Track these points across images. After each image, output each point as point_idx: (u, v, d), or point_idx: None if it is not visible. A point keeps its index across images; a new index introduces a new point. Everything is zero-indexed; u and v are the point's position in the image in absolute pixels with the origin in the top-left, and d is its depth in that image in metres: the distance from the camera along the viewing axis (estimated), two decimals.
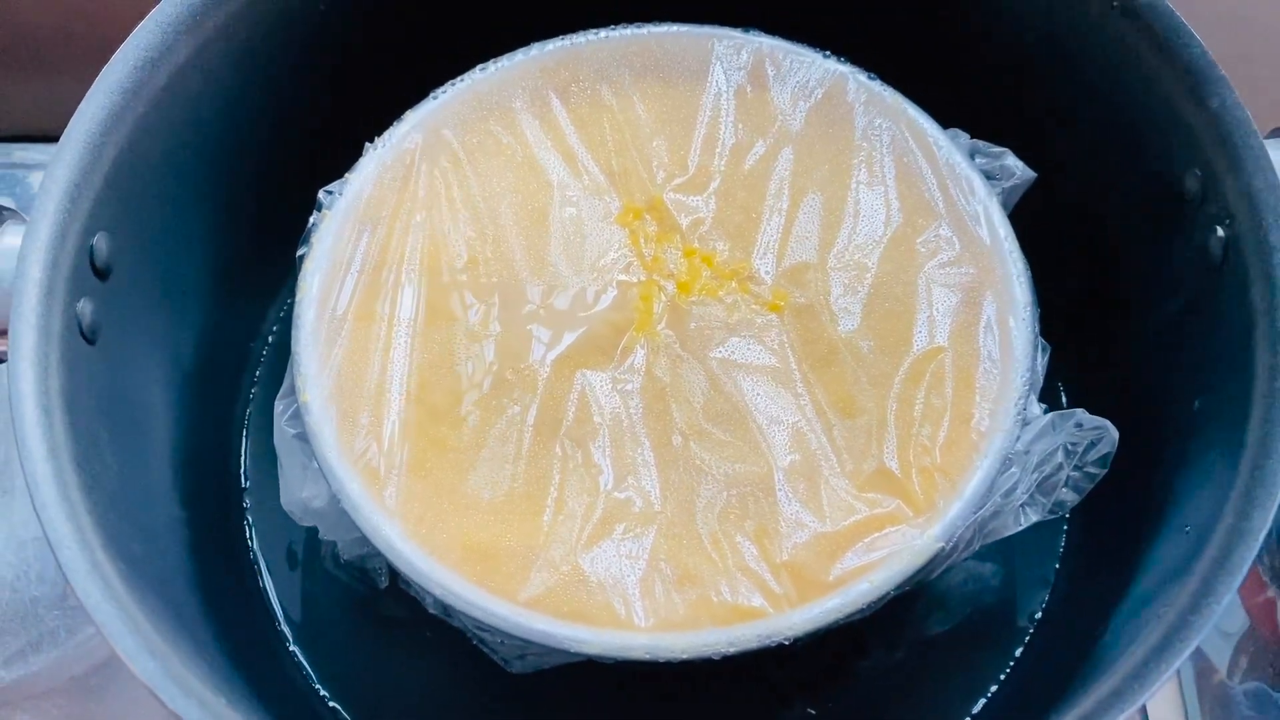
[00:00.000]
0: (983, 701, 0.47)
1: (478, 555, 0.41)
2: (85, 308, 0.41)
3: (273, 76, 0.49)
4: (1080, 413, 0.42)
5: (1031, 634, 0.48)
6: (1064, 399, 0.52)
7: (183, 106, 0.45)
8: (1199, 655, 0.59)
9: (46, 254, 0.39)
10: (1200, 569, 0.34)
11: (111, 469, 0.40)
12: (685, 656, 0.38)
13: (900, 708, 0.48)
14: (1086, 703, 0.32)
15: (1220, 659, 0.59)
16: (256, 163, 0.50)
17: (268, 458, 0.51)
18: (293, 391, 0.44)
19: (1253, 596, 0.58)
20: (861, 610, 0.39)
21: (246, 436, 0.53)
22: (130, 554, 0.38)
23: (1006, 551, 0.51)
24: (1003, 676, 0.48)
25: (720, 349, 0.44)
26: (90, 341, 0.41)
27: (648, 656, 0.38)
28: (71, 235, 0.40)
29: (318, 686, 0.48)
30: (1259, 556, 0.58)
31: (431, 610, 0.42)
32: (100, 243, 0.42)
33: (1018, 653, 0.48)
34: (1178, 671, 0.59)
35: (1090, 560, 0.48)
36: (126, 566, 0.37)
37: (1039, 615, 0.49)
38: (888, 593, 0.39)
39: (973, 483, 0.41)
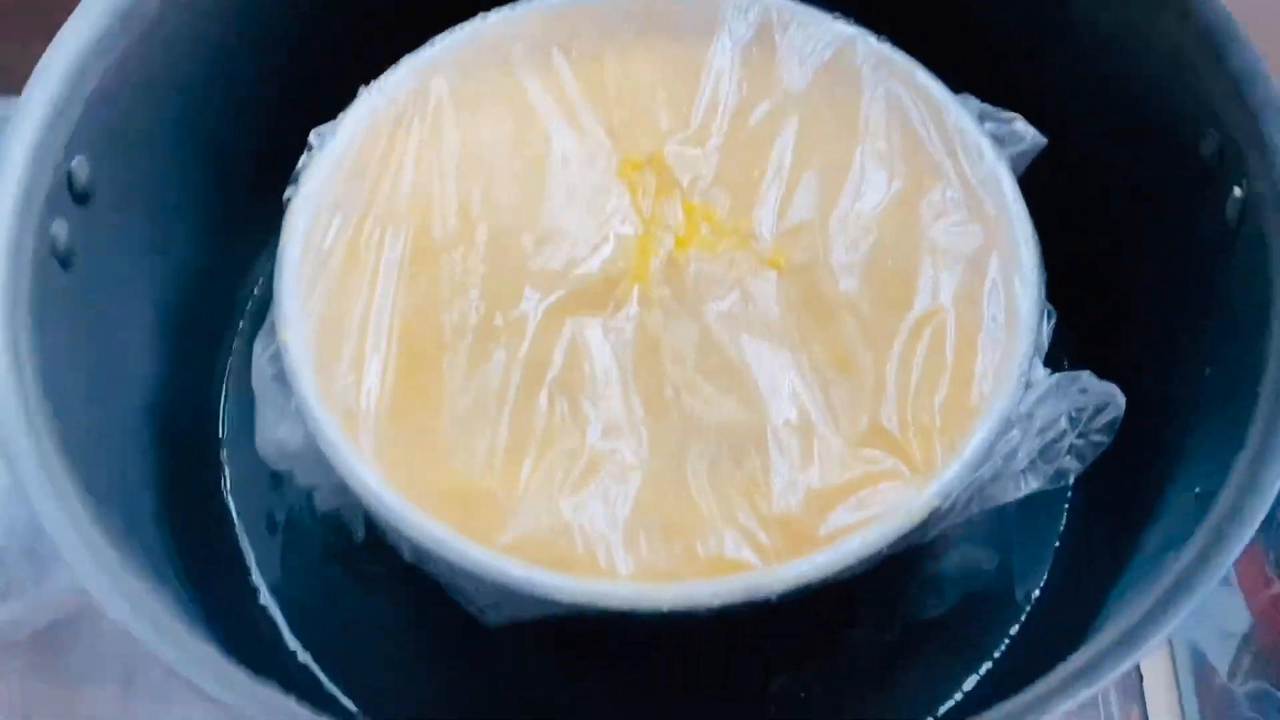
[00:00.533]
0: (975, 678, 0.46)
1: (456, 500, 0.39)
2: (60, 229, 0.39)
3: (268, 18, 0.48)
4: (1086, 375, 0.40)
5: (1029, 611, 0.47)
6: (1066, 366, 0.50)
7: (174, 39, 0.44)
8: (1199, 658, 0.58)
9: (22, 169, 0.38)
10: (1212, 520, 0.32)
11: (79, 399, 0.38)
12: (668, 608, 0.37)
13: (891, 682, 0.46)
14: (1088, 654, 0.30)
15: (1222, 661, 0.57)
16: (248, 103, 0.49)
17: (246, 410, 0.50)
18: (273, 331, 0.42)
19: (1258, 593, 0.56)
20: (851, 567, 0.38)
21: (226, 387, 0.51)
22: (98, 490, 0.36)
23: (1003, 533, 0.50)
24: (997, 653, 0.46)
25: (716, 303, 0.43)
26: (64, 266, 0.40)
27: (628, 607, 0.37)
28: (49, 153, 0.39)
29: (288, 641, 0.46)
30: (1265, 551, 0.56)
31: (407, 558, 0.40)
32: (79, 166, 0.40)
33: (1013, 630, 0.46)
34: (1176, 675, 0.58)
35: (1091, 536, 0.47)
36: (95, 501, 0.35)
37: (1036, 594, 0.47)
38: (880, 550, 0.38)
39: (972, 443, 0.39)
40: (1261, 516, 0.32)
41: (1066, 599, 0.46)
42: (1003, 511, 0.50)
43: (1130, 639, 0.30)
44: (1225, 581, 0.58)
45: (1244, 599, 0.56)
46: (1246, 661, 0.56)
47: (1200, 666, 0.57)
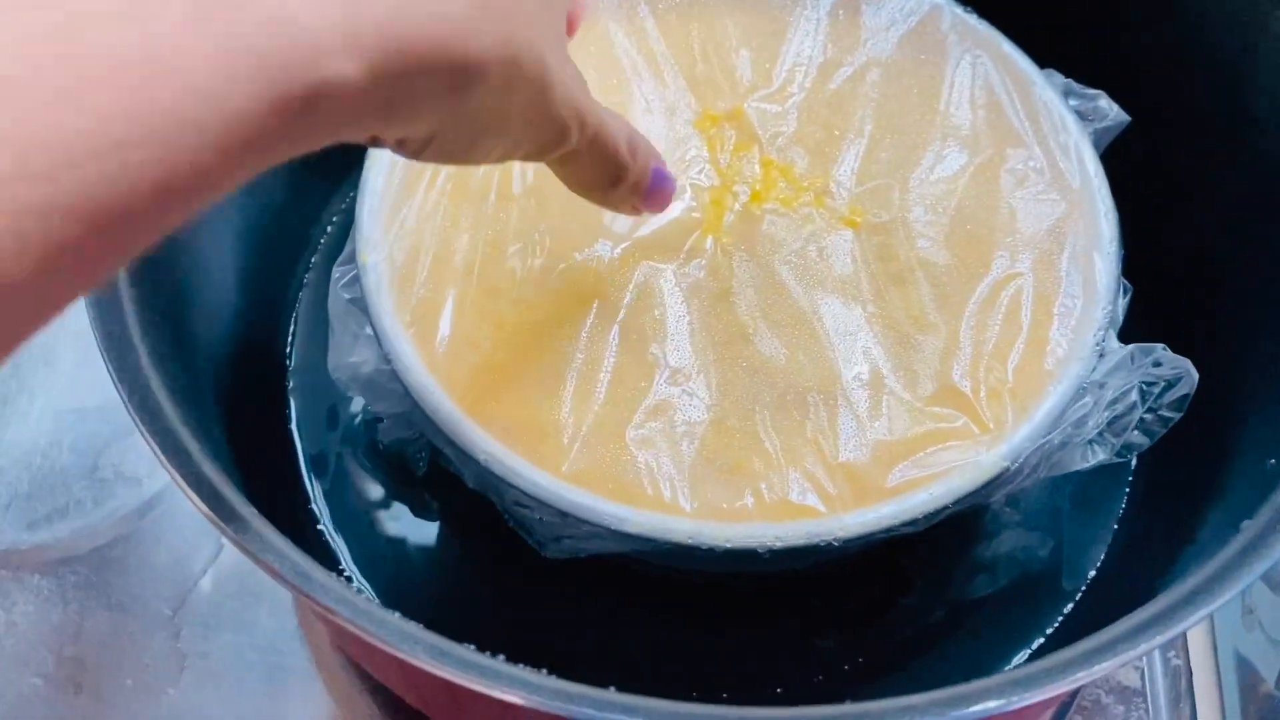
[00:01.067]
0: (1026, 653, 0.45)
1: (524, 428, 0.40)
2: None
3: None
4: (1161, 349, 0.40)
5: (1084, 592, 0.46)
6: None
7: None
8: (1246, 666, 0.57)
9: None
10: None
11: (165, 311, 0.39)
12: (729, 545, 0.37)
13: (937, 656, 0.46)
14: (1155, 607, 0.30)
15: (1269, 669, 0.56)
16: None
17: (314, 342, 0.51)
18: (352, 258, 0.43)
19: None
20: (916, 522, 0.38)
21: (295, 321, 0.52)
22: (175, 380, 0.37)
23: (1058, 520, 0.49)
24: (1050, 631, 0.46)
25: (790, 257, 0.43)
26: None
27: (690, 541, 0.37)
28: None
29: (345, 569, 0.47)
30: None
31: (471, 485, 0.41)
32: None
33: (1067, 609, 0.46)
34: (1220, 682, 0.57)
35: (1151, 519, 0.46)
36: (171, 384, 0.36)
37: (1093, 574, 0.47)
38: (946, 506, 0.38)
39: (1044, 407, 0.39)
40: None
41: (1123, 578, 0.45)
42: (1059, 497, 0.50)
43: (1207, 589, 0.30)
44: (1276, 588, 0.57)
45: None
46: None
47: (1246, 674, 0.56)
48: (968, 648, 0.47)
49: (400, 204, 0.43)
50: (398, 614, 0.30)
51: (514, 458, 0.38)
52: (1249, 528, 0.32)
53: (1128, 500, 0.48)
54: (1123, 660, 0.29)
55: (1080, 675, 0.28)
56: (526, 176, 0.45)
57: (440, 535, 0.47)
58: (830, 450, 0.39)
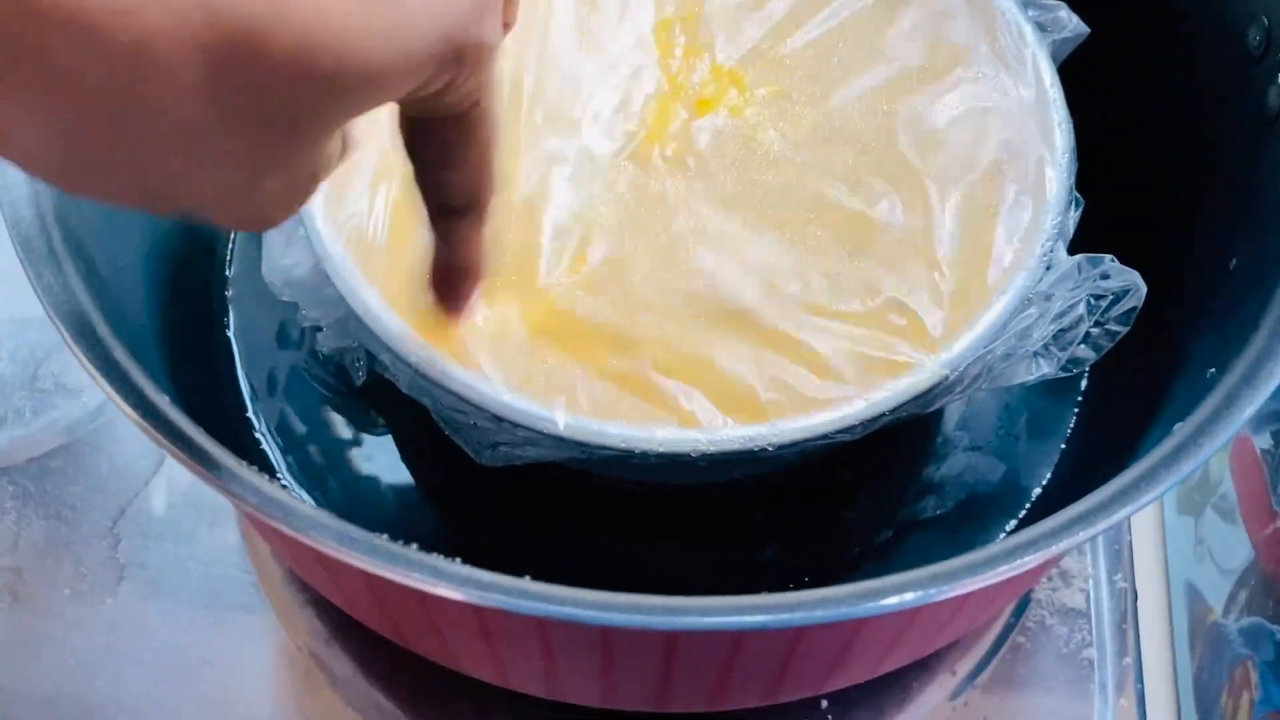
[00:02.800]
0: None
1: (459, 334, 0.39)
2: None
3: None
4: (1109, 261, 0.39)
5: (1028, 510, 0.46)
6: None
7: None
8: (1195, 595, 0.57)
9: None
10: (1228, 382, 0.32)
11: (94, 216, 0.38)
12: (663, 450, 0.36)
13: (881, 571, 0.46)
14: (1110, 489, 0.30)
15: (1217, 598, 0.57)
16: None
17: (256, 249, 0.50)
18: None
19: (1260, 528, 0.55)
20: (853, 428, 0.37)
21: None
22: (104, 287, 0.36)
23: (1009, 442, 0.49)
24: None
25: (733, 168, 0.42)
26: None
27: (623, 445, 0.36)
28: None
29: (281, 476, 0.46)
30: (1271, 485, 0.55)
31: (405, 389, 0.40)
32: None
33: (1010, 526, 0.46)
34: (1170, 611, 0.57)
35: (1097, 435, 0.46)
36: (99, 293, 0.35)
37: (1038, 493, 0.47)
38: (882, 414, 0.37)
39: (987, 317, 0.39)
40: (1275, 383, 0.31)
41: (1068, 496, 0.45)
42: (1010, 420, 0.50)
43: (1138, 486, 0.30)
44: (1228, 518, 0.57)
45: (1246, 533, 0.56)
46: (1243, 597, 0.55)
47: (1195, 602, 0.56)
48: (912, 566, 0.47)
49: None
50: (312, 504, 0.29)
51: (445, 360, 0.38)
52: (1180, 430, 0.31)
53: (1076, 420, 0.48)
54: (1021, 565, 0.28)
55: (988, 576, 0.28)
56: None
57: (380, 445, 0.47)
58: (769, 360, 0.38)
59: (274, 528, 0.29)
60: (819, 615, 0.26)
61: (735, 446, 0.36)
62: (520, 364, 0.38)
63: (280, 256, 0.41)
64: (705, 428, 0.37)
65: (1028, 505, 0.47)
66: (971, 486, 0.49)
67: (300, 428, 0.47)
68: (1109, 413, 0.46)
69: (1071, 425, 0.48)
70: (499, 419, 0.37)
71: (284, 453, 0.46)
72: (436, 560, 0.28)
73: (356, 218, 0.40)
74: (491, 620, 0.28)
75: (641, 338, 0.39)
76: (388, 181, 0.41)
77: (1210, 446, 0.30)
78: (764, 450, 0.37)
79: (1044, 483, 0.47)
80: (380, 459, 0.46)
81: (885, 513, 0.48)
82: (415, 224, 0.41)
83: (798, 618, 0.26)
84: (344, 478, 0.46)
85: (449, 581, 0.27)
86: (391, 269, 0.40)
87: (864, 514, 0.48)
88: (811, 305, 0.39)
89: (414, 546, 0.28)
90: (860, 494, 0.48)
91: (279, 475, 0.46)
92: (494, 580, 0.27)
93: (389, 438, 0.47)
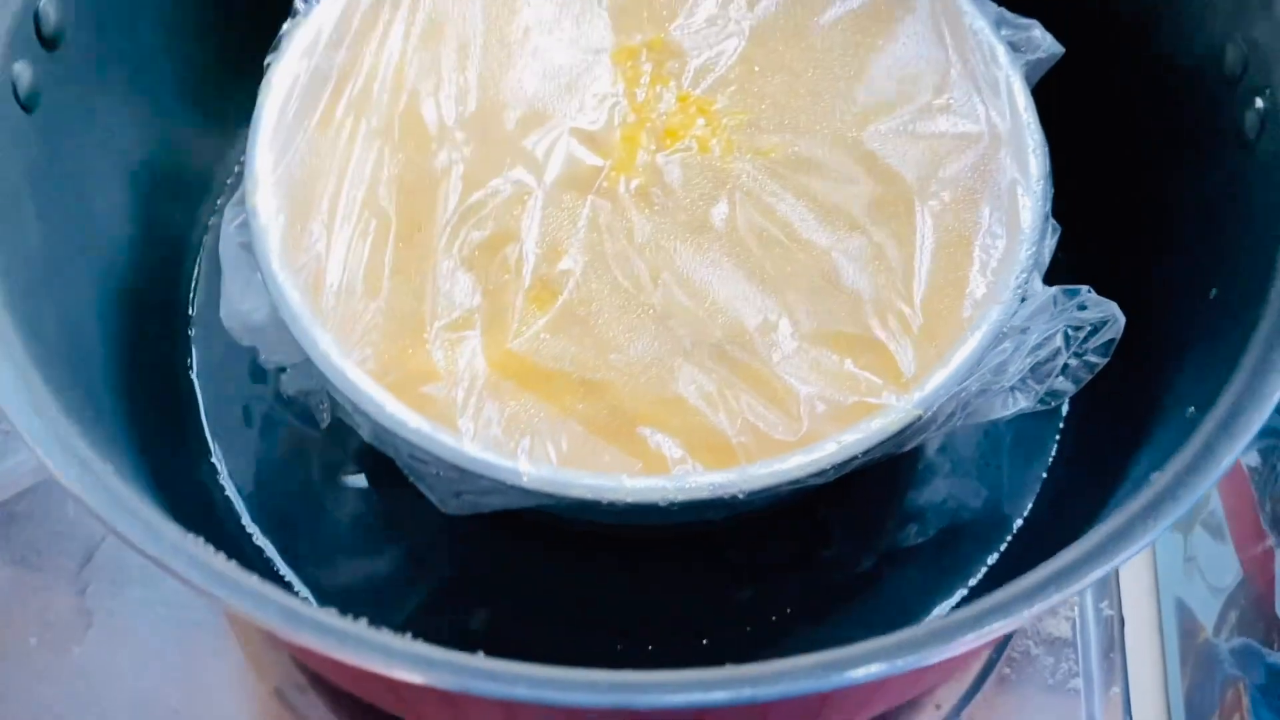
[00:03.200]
0: (949, 603, 0.44)
1: (419, 379, 0.38)
2: (23, 71, 0.38)
3: None
4: (1086, 292, 0.38)
5: (1011, 539, 0.45)
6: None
7: None
8: (1186, 613, 0.56)
9: None
10: (1202, 433, 0.31)
11: (34, 242, 0.37)
12: (630, 500, 0.35)
13: (864, 607, 0.45)
14: (1061, 560, 0.29)
15: (1208, 616, 0.56)
16: None
17: (218, 288, 0.49)
18: (243, 200, 0.41)
19: (1250, 548, 0.55)
20: (825, 472, 0.36)
21: (199, 264, 0.50)
22: (43, 333, 0.35)
23: (990, 467, 0.48)
24: (974, 581, 0.44)
25: (702, 199, 0.41)
26: (26, 109, 0.38)
27: (590, 496, 0.35)
28: None
29: (245, 524, 0.45)
30: (1260, 503, 0.54)
31: (366, 438, 0.39)
32: (48, 7, 0.39)
33: (991, 559, 0.45)
34: (1161, 630, 0.56)
35: (1079, 464, 0.45)
36: (35, 341, 0.34)
37: (1019, 523, 0.46)
38: (855, 456, 0.36)
39: (961, 353, 0.38)
40: (1253, 432, 0.30)
41: (1051, 526, 0.44)
42: (991, 446, 0.49)
43: (1109, 547, 0.29)
44: (1217, 535, 0.56)
45: (1235, 552, 0.55)
46: (1233, 617, 0.54)
47: (1186, 621, 0.55)
48: (895, 596, 0.46)
49: (291, 141, 0.41)
50: (257, 578, 0.28)
51: (405, 411, 0.37)
52: (1157, 480, 0.30)
53: (1058, 448, 0.47)
54: (989, 633, 0.27)
55: (958, 643, 0.27)
56: (435, 115, 0.42)
57: (343, 488, 0.45)
58: (736, 401, 0.37)
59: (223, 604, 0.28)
60: (781, 690, 0.25)
61: (705, 495, 0.35)
62: (482, 409, 0.37)
63: (238, 301, 0.40)
64: (675, 475, 0.36)
65: (1010, 535, 0.46)
66: (953, 513, 0.48)
67: (265, 471, 0.46)
68: (1092, 440, 0.45)
69: (1054, 452, 0.47)
70: (461, 470, 0.36)
71: (248, 497, 0.45)
72: (386, 639, 0.26)
73: (314, 260, 0.39)
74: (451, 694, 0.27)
75: (608, 379, 0.38)
76: (346, 221, 0.40)
77: (1185, 502, 0.29)
78: (735, 497, 0.36)
79: (1025, 512, 0.46)
80: (348, 502, 0.45)
81: (866, 542, 0.48)
82: (373, 265, 0.40)
83: (762, 693, 0.25)
84: (311, 521, 0.45)
85: (399, 662, 0.26)
86: (347, 313, 0.39)
87: (844, 544, 0.47)
88: (781, 343, 0.38)
89: (364, 621, 0.27)
90: (839, 524, 0.47)
91: (244, 522, 0.45)
92: (446, 659, 0.26)
93: (357, 479, 0.46)
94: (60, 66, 0.39)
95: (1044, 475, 0.46)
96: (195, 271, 0.50)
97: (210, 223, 0.50)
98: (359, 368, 0.37)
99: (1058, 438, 0.47)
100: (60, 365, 0.35)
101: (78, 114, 0.40)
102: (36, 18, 0.38)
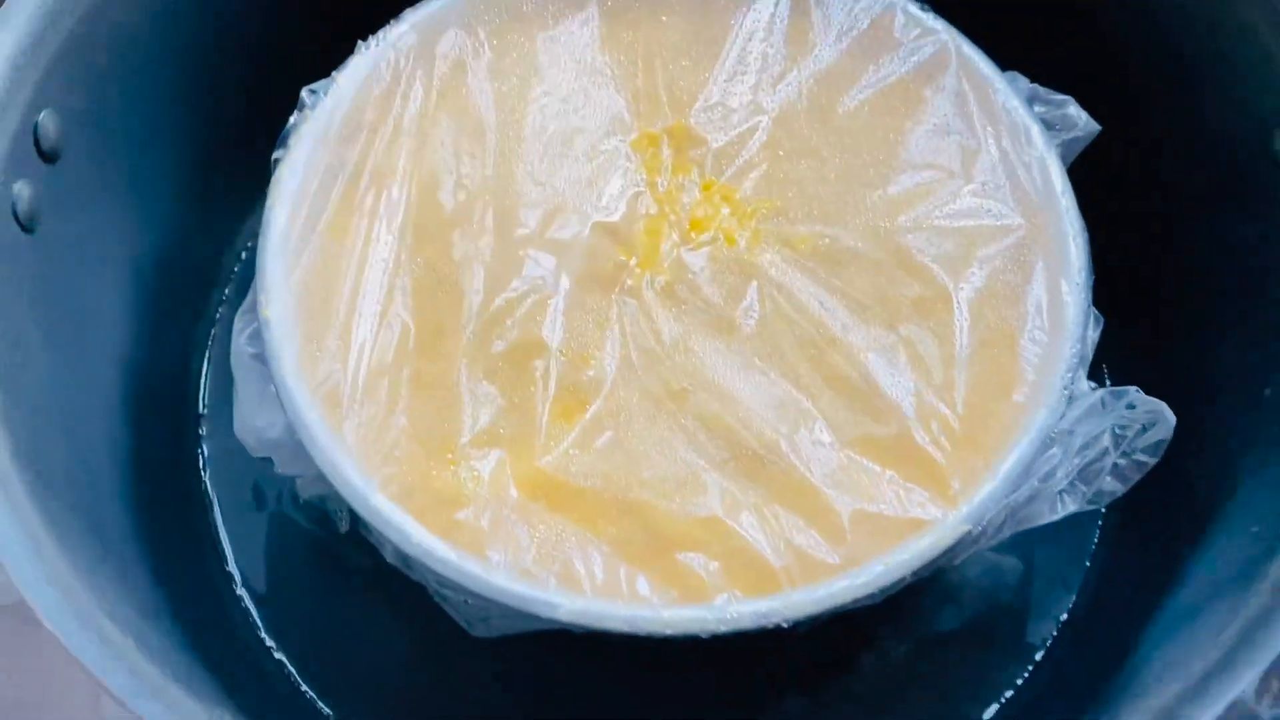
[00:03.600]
0: (995, 707, 0.43)
1: (446, 502, 0.36)
2: (23, 190, 0.36)
3: None
4: (1134, 392, 0.37)
5: (1054, 638, 0.44)
6: (1107, 379, 0.47)
7: None
8: None
9: None
10: (1275, 573, 0.29)
11: (39, 371, 0.35)
12: (670, 632, 0.34)
13: (904, 706, 0.43)
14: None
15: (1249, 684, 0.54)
16: (236, 54, 0.45)
17: (230, 384, 0.47)
18: (255, 307, 0.39)
19: None
20: (873, 595, 0.35)
21: (209, 359, 0.48)
22: (48, 467, 0.34)
23: (1031, 545, 0.47)
24: (1019, 682, 0.43)
25: (733, 296, 0.40)
26: (26, 229, 0.36)
27: (627, 629, 0.34)
28: (13, 108, 0.36)
29: (264, 636, 0.43)
30: None
31: (390, 560, 0.37)
32: (47, 121, 0.37)
33: (1037, 657, 0.43)
34: None
35: (1126, 562, 0.43)
36: (40, 481, 0.32)
37: (1064, 618, 0.44)
38: (904, 577, 0.35)
39: (1009, 462, 0.36)
40: None
41: (1097, 625, 0.43)
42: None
43: (1183, 704, 0.27)
44: None
45: None
46: (1276, 685, 0.53)
47: None
48: (937, 694, 0.44)
49: (304, 246, 0.40)
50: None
51: (432, 540, 0.35)
52: (1233, 624, 0.29)
53: (1100, 531, 0.46)
54: None
55: None
56: (453, 215, 0.41)
57: (365, 599, 0.44)
58: (775, 520, 0.36)
59: None
60: None
61: (748, 625, 0.34)
62: (513, 534, 0.36)
63: (252, 416, 0.39)
64: (715, 605, 0.34)
65: (1054, 633, 0.44)
66: (991, 594, 0.47)
67: (283, 580, 0.44)
68: (1136, 534, 0.44)
69: (1096, 537, 0.46)
70: (492, 600, 0.35)
71: (265, 607, 0.44)
72: None
73: (331, 375, 0.38)
74: None
75: (641, 499, 0.36)
76: (364, 331, 0.39)
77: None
78: (778, 626, 0.34)
79: (1069, 607, 0.45)
80: (371, 613, 0.44)
81: (903, 627, 0.46)
82: (395, 378, 0.38)
83: None
84: (331, 633, 0.44)
85: None
86: (369, 432, 0.37)
87: (883, 633, 0.46)
88: (819, 453, 0.37)
89: None
90: (880, 621, 0.46)
91: (261, 633, 0.44)
92: None
93: (373, 590, 0.44)
94: (61, 180, 0.38)
95: (1086, 564, 0.45)
96: (204, 367, 0.48)
97: (219, 314, 0.49)
98: (382, 492, 0.36)
99: (1099, 522, 0.46)
100: (68, 497, 0.34)
101: (79, 227, 0.39)
102: (36, 132, 0.37)
